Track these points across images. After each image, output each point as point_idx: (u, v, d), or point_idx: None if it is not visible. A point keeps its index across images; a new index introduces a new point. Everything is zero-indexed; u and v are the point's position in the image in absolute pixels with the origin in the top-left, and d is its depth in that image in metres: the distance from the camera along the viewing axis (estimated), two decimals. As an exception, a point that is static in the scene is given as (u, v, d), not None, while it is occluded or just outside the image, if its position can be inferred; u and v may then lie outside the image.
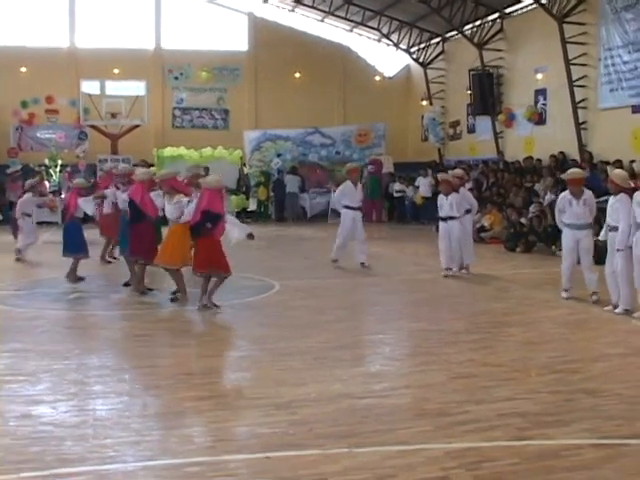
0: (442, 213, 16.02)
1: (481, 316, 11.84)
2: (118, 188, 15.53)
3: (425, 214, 29.58)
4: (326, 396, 7.42)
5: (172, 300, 12.91)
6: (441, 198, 16.16)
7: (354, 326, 11.02)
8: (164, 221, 13.78)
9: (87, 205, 15.26)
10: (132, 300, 13.39)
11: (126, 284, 14.69)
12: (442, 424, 6.62)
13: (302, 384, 7.84)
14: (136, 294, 13.70)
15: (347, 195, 17.70)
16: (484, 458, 5.85)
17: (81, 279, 15.27)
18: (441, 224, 16.15)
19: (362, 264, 17.31)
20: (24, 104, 34.16)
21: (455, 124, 33.54)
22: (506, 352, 9.35)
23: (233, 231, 12.16)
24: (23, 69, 34.43)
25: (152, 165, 29.00)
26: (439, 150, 34.54)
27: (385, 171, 32.77)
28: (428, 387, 7.76)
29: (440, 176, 17.00)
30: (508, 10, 28.48)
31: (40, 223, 30.09)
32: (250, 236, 12.23)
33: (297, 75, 36.57)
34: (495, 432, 6.42)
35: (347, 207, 17.72)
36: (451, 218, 15.86)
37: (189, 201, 12.62)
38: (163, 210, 13.70)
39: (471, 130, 32.12)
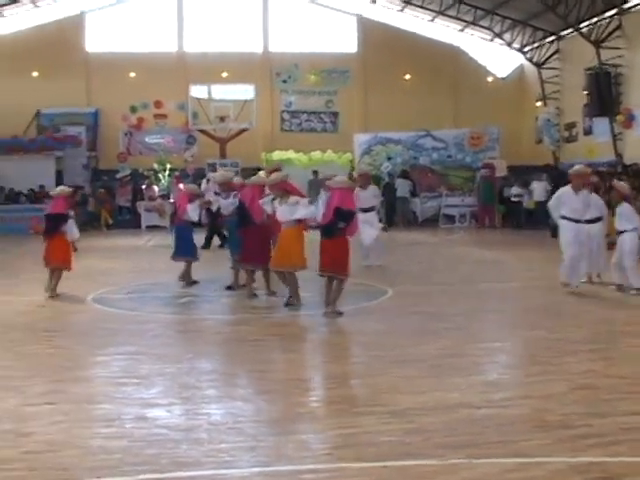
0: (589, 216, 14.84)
1: (602, 325, 11.58)
2: (217, 194, 15.83)
3: (540, 219, 29.14)
4: (443, 405, 7.36)
5: (286, 305, 13.05)
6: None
7: (470, 333, 10.91)
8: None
9: (193, 212, 15.49)
10: (243, 304, 13.57)
11: (229, 287, 15.01)
12: (564, 437, 6.49)
13: (418, 392, 7.80)
14: (246, 298, 13.91)
15: (565, 203, 14.76)
16: (609, 474, 5.71)
17: (195, 282, 15.61)
18: (590, 227, 15.00)
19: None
20: (133, 109, 35.06)
21: (571, 126, 32.99)
22: (629, 363, 9.11)
23: (366, 229, 12.30)
24: (132, 74, 35.27)
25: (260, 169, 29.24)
26: (554, 153, 34.02)
27: (498, 175, 32.44)
28: (548, 398, 7.62)
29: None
30: (627, 5, 27.86)
31: (150, 227, 30.99)
32: (385, 229, 12.37)
33: (407, 77, 36.55)
34: (620, 447, 6.26)
35: (564, 218, 14.81)
36: (623, 231, 14.37)
37: (312, 201, 12.77)
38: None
39: (588, 132, 31.53)
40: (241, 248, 14.09)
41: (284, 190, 13.07)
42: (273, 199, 13.23)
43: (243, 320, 12.21)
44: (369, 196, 17.98)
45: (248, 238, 13.91)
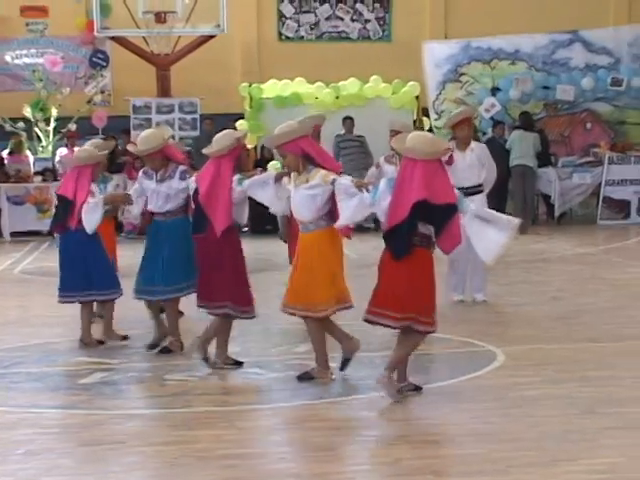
0: None
1: None
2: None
3: None
4: None
5: (301, 379, 13.29)
6: None
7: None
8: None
9: (91, 214, 15.54)
10: (207, 384, 13.78)
11: (152, 346, 15.47)
12: None
13: None
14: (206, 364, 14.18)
15: None
16: None
17: (124, 338, 16.25)
18: None
19: None
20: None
21: None
22: None
23: (484, 235, 12.12)
24: None
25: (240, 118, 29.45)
26: None
27: None
28: None
29: None
30: None
31: (18, 234, 31.11)
32: (520, 228, 12.18)
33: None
34: None
35: None
36: None
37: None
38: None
39: None
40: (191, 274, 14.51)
41: (304, 156, 13.06)
42: (279, 177, 13.40)
43: (212, 417, 12.25)
44: (472, 164, 17.85)
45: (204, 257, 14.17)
